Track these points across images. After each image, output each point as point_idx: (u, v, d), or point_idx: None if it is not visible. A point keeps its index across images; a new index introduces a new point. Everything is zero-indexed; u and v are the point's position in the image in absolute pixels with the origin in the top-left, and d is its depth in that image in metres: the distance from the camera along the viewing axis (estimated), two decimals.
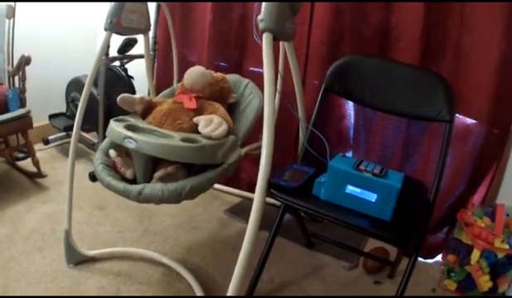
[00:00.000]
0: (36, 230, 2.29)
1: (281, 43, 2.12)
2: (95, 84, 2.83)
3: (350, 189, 1.48)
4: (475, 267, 1.95)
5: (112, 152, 1.71)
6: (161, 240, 2.31)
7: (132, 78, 3.05)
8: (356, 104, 2.36)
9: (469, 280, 2.01)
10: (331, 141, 2.38)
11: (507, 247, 1.89)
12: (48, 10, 3.20)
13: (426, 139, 2.23)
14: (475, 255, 1.95)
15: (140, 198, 1.54)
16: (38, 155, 2.86)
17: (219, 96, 1.89)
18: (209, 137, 1.63)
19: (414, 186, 1.78)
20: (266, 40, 1.54)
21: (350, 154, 2.50)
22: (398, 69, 1.91)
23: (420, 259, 2.22)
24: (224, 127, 1.68)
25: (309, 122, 1.95)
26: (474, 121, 2.10)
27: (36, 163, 2.79)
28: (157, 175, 1.59)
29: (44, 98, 3.19)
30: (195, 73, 1.89)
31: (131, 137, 1.54)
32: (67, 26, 3.37)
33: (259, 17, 1.57)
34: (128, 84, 3.00)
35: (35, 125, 2.71)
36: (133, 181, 1.65)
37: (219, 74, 1.96)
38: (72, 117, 3.07)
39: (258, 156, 1.46)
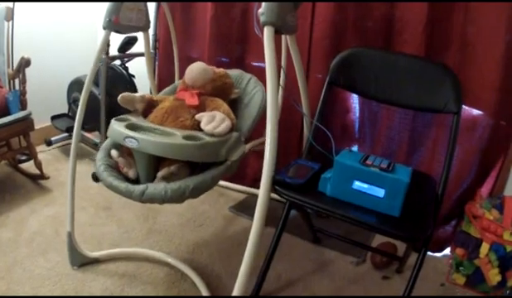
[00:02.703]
0: (39, 233, 2.25)
1: (283, 37, 2.07)
2: (96, 83, 2.80)
3: (357, 184, 1.43)
4: (484, 261, 1.92)
5: (114, 152, 1.67)
6: (166, 239, 2.27)
7: (133, 76, 3.01)
8: (361, 97, 2.31)
9: (478, 273, 1.97)
10: (336, 136, 2.32)
11: None
12: (48, 10, 3.15)
13: (432, 131, 2.19)
14: (484, 248, 1.91)
15: (143, 198, 1.49)
16: (41, 156, 2.83)
17: (221, 92, 1.85)
18: (211, 134, 1.59)
19: (422, 180, 1.73)
20: (267, 34, 1.49)
21: (355, 148, 2.45)
22: (402, 60, 1.85)
23: (428, 253, 2.16)
24: (227, 124, 1.64)
25: (313, 116, 1.90)
26: (480, 112, 2.05)
27: (38, 165, 2.75)
28: (160, 174, 1.55)
29: (46, 99, 3.15)
30: (197, 69, 1.85)
31: (132, 137, 1.50)
32: (67, 26, 3.32)
33: (260, 11, 1.52)
34: (129, 83, 2.96)
35: (37, 127, 2.68)
36: (136, 181, 1.61)
37: (221, 70, 1.92)
38: (74, 117, 3.02)
39: (263, 152, 1.41)
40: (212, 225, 2.44)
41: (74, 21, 3.35)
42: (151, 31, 2.73)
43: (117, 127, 1.58)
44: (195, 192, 1.52)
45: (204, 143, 1.54)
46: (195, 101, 1.73)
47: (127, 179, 1.62)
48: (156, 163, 1.58)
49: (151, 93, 2.57)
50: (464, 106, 1.91)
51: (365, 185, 1.42)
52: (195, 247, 2.23)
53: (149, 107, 1.80)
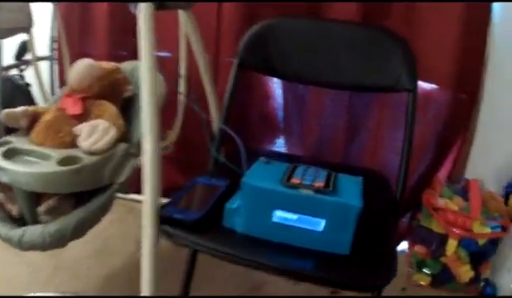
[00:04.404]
0: None
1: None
2: None
3: (279, 216, 0.86)
4: (452, 258, 1.59)
5: None
6: (72, 276, 1.81)
7: (29, 85, 2.47)
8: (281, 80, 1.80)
9: (445, 272, 1.63)
10: (256, 129, 1.89)
11: (488, 230, 1.53)
12: None
13: (374, 111, 1.76)
14: (451, 246, 1.59)
15: (22, 246, 1.20)
16: None
17: (111, 92, 1.45)
18: (90, 153, 1.24)
19: (373, 184, 1.13)
20: (145, 10, 1.01)
21: (281, 141, 1.93)
22: (337, 29, 1.34)
23: None
24: (111, 135, 1.29)
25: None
26: (435, 86, 1.65)
27: None
28: (40, 210, 1.22)
29: None
30: (81, 67, 1.44)
31: (2, 169, 1.19)
32: None
33: None
34: (24, 93, 2.42)
35: None
36: (22, 219, 1.28)
37: (111, 65, 1.51)
38: None
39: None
40: (121, 252, 1.96)
41: None
42: (48, 33, 2.34)
43: None
44: (79, 232, 1.23)
45: (78, 168, 1.19)
46: (77, 109, 1.36)
47: (11, 218, 1.29)
48: (36, 197, 1.24)
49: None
50: None
51: (293, 216, 0.86)
52: (104, 280, 1.80)
53: (34, 121, 1.41)
